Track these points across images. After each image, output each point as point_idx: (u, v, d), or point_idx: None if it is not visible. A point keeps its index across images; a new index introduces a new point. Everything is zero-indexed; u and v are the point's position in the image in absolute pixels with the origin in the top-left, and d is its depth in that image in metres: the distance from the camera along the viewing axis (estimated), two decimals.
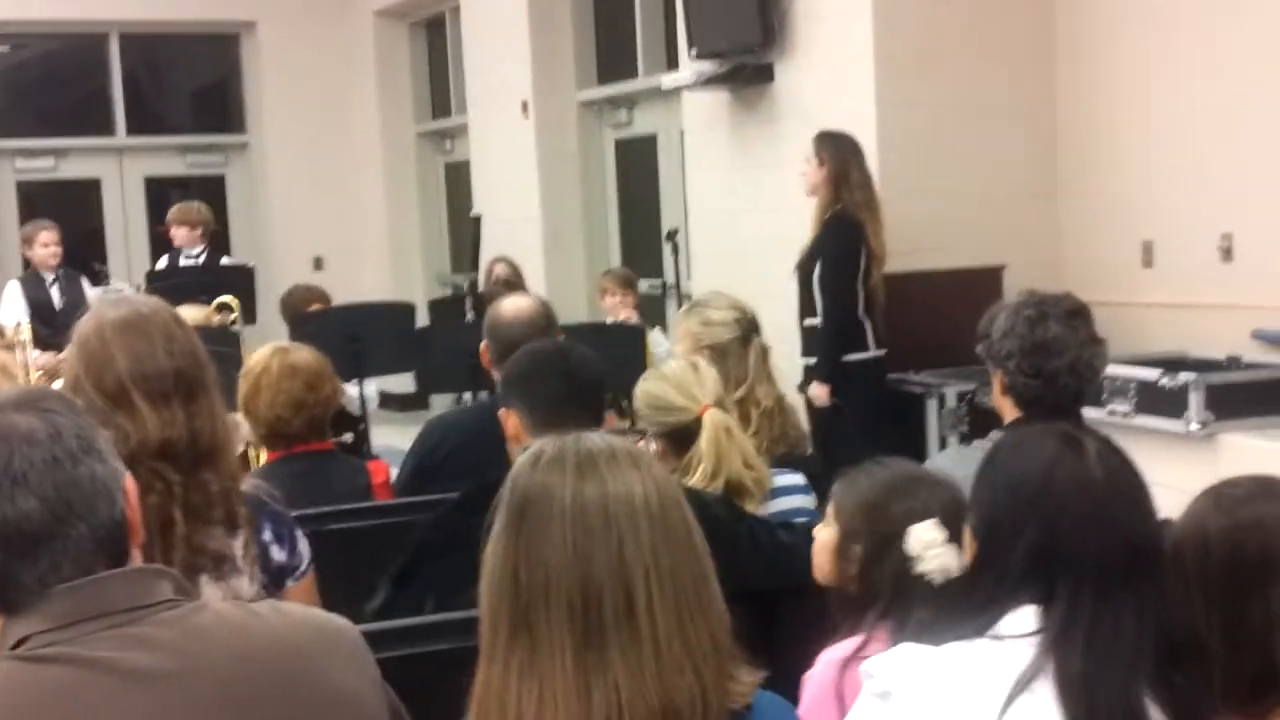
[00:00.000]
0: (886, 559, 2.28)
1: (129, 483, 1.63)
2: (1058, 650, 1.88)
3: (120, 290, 8.31)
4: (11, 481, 1.53)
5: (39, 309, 7.79)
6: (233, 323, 6.69)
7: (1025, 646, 1.89)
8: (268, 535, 2.53)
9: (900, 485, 2.36)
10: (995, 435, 2.98)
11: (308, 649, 1.64)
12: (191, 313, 5.73)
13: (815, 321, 5.95)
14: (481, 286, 7.97)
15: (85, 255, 10.18)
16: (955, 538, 2.22)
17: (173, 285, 7.36)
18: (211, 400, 2.46)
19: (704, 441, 3.00)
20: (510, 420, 2.97)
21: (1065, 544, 1.93)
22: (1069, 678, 1.87)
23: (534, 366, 2.98)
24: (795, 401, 5.33)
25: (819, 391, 5.87)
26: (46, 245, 8.30)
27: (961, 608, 1.99)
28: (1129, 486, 1.99)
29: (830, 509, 2.44)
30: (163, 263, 8.81)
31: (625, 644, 1.64)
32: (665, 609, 1.65)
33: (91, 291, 8.36)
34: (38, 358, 6.61)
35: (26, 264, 8.73)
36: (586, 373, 2.97)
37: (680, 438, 3.06)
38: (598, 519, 1.66)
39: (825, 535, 2.43)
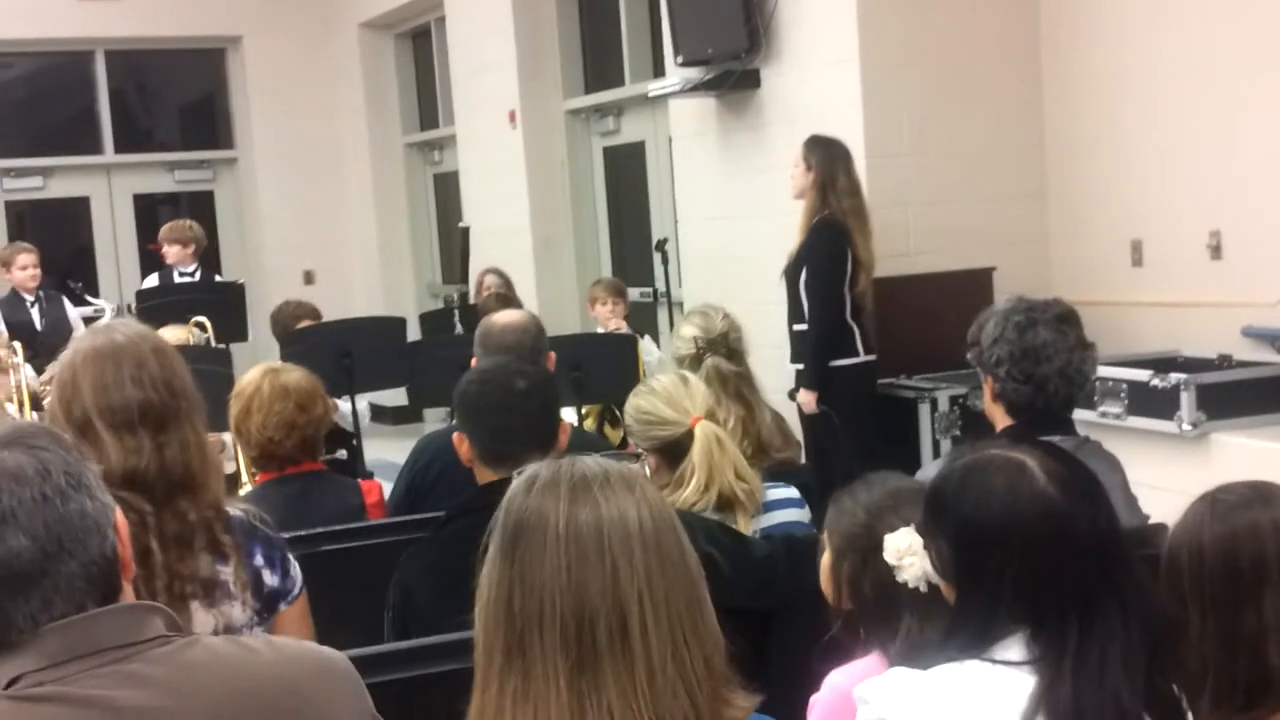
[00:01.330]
0: (868, 573, 2.28)
1: (119, 517, 1.63)
2: (1048, 682, 1.86)
3: (101, 308, 8.31)
4: (1, 519, 1.52)
5: (19, 330, 7.76)
6: (206, 341, 6.68)
7: (1019, 675, 1.87)
8: (259, 560, 2.52)
9: (884, 502, 2.36)
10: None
11: (301, 684, 1.63)
12: (177, 333, 5.73)
13: (803, 327, 5.94)
14: (472, 298, 7.97)
15: (75, 274, 10.17)
16: None
17: (162, 304, 7.37)
18: (185, 431, 2.44)
19: (696, 453, 3.01)
20: (463, 446, 2.99)
21: (1045, 573, 1.90)
22: (1059, 712, 1.85)
23: (479, 400, 2.99)
24: (788, 410, 5.34)
25: (806, 398, 5.86)
26: (25, 268, 8.30)
27: (952, 643, 1.96)
28: (1085, 493, 1.97)
29: (825, 534, 2.44)
30: (153, 280, 8.80)
31: (619, 669, 1.63)
32: (659, 633, 1.65)
33: (73, 311, 8.35)
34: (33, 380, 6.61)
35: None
36: (531, 404, 2.97)
37: (673, 452, 3.06)
38: (592, 544, 1.66)
39: (824, 560, 2.43)
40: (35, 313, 8.25)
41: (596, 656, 1.63)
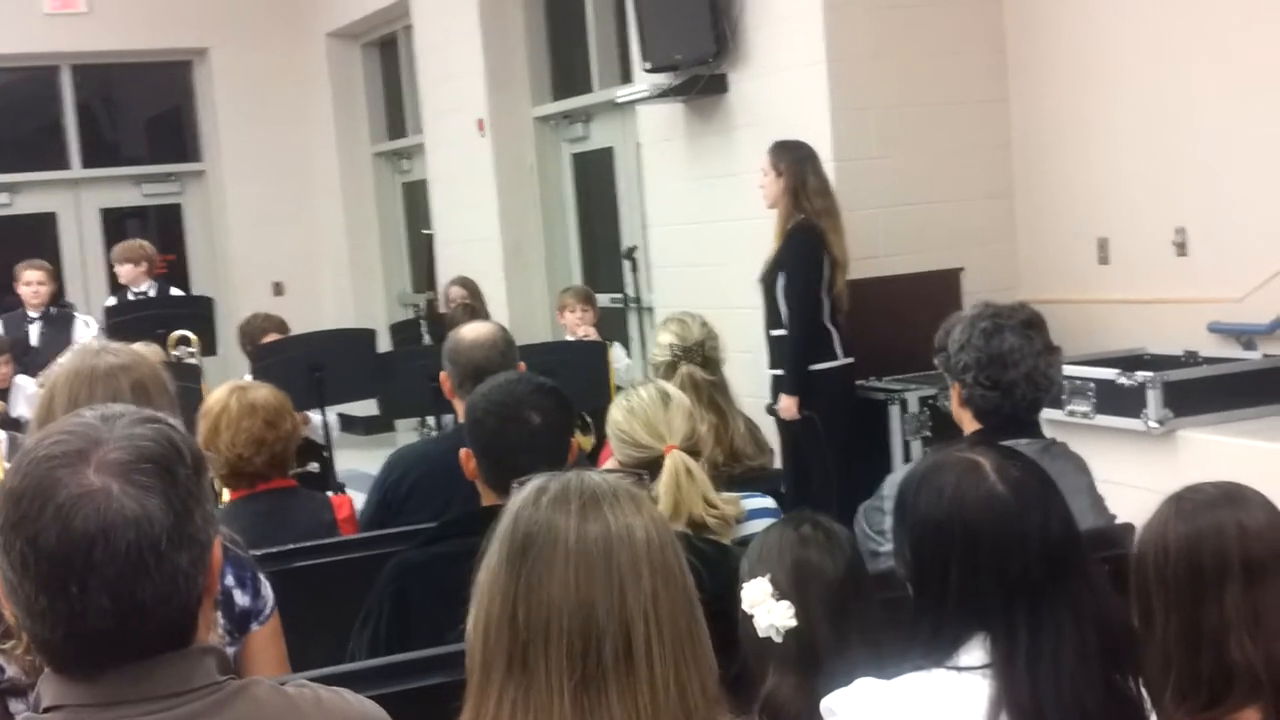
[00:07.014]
0: (743, 625, 2.27)
1: (216, 550, 1.56)
2: (1006, 683, 1.89)
3: (88, 324, 8.25)
4: (88, 568, 1.44)
5: (14, 346, 7.70)
6: (190, 355, 6.66)
7: (981, 680, 1.90)
8: (230, 580, 2.50)
9: (754, 552, 2.33)
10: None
11: None
12: (145, 351, 5.71)
13: (781, 333, 5.93)
14: (442, 307, 7.96)
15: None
16: (791, 594, 2.21)
17: (131, 320, 7.34)
18: None
19: (661, 485, 2.98)
20: (470, 463, 2.96)
21: (989, 570, 1.94)
22: (1022, 710, 1.87)
23: (495, 436, 2.90)
24: (761, 416, 5.34)
25: (787, 404, 5.84)
26: (29, 284, 8.23)
27: (907, 649, 1.99)
28: (1036, 495, 2.00)
29: None
30: (111, 301, 8.73)
31: (624, 688, 1.62)
32: (663, 654, 1.63)
33: (82, 333, 8.25)
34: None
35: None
36: (547, 438, 2.90)
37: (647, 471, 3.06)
38: (600, 560, 1.64)
39: None
40: (34, 330, 8.17)
41: (602, 675, 1.62)
